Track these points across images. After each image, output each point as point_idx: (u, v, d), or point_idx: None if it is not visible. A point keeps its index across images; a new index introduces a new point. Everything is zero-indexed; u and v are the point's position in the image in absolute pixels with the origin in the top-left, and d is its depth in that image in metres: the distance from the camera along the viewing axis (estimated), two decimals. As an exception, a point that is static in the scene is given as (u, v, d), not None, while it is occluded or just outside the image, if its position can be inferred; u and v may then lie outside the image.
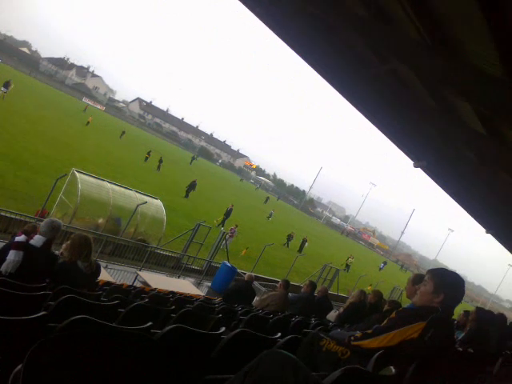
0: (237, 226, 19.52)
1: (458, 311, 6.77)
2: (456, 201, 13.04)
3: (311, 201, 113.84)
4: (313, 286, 8.37)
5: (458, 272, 2.72)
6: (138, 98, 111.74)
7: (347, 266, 29.65)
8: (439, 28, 3.18)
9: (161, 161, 33.49)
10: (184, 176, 29.87)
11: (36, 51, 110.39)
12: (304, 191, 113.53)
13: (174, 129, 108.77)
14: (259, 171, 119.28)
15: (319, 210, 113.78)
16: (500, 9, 2.32)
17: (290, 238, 29.14)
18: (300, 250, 26.30)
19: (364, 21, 3.75)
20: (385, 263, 51.06)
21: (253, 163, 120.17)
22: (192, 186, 27.31)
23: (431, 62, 3.62)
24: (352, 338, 2.39)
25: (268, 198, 58.68)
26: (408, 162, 7.98)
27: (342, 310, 7.53)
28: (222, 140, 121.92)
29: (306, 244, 29.24)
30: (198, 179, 28.44)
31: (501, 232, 13.62)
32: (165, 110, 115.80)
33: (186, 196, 26.79)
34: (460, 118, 6.47)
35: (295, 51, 4.72)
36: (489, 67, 3.29)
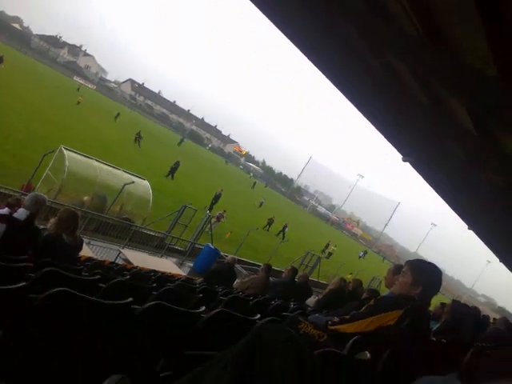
0: (225, 211, 19.53)
1: (435, 303, 6.88)
2: (441, 196, 13.28)
3: (298, 189, 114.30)
4: (294, 271, 8.46)
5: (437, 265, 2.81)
6: (129, 79, 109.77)
7: (329, 253, 30.06)
8: (436, 25, 3.18)
9: (139, 136, 32.90)
10: (172, 158, 29.63)
11: (28, 27, 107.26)
12: (292, 179, 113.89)
13: (165, 111, 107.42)
14: (248, 157, 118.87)
15: (306, 198, 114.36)
16: (498, 9, 2.33)
17: (270, 222, 29.36)
18: (283, 236, 26.51)
19: (361, 13, 3.73)
20: (365, 252, 52.15)
21: (243, 149, 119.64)
22: (175, 167, 27.03)
23: (426, 58, 3.64)
24: (329, 322, 2.43)
25: (255, 184, 58.82)
26: (397, 155, 8.06)
27: (321, 296, 7.64)
28: (214, 125, 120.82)
29: (287, 229, 29.49)
30: (185, 161, 28.23)
31: (482, 229, 13.94)
32: (157, 92, 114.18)
33: (170, 177, 26.58)
34: (451, 116, 6.54)
35: (285, 34, 4.66)
36: (483, 66, 3.32)
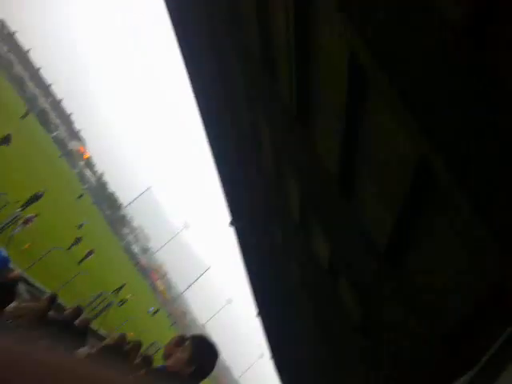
0: (36, 215, 17.67)
1: None
2: (244, 265, 14.08)
3: (122, 218, 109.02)
4: (78, 311, 7.61)
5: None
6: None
7: (122, 301, 28.64)
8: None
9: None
10: (9, 129, 25.80)
11: None
12: (121, 205, 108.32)
13: (27, 75, 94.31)
14: (89, 164, 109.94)
15: (126, 231, 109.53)
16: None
17: (77, 240, 27.04)
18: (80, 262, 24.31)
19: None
20: (156, 310, 50.95)
21: (87, 152, 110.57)
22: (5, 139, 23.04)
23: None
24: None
25: (82, 195, 54.53)
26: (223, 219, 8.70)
27: (94, 350, 7.13)
28: (69, 113, 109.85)
29: (90, 257, 27.55)
30: (19, 139, 24.52)
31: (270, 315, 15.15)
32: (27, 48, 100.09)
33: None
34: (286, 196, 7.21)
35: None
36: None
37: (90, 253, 27.70)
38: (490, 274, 2.91)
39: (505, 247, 2.17)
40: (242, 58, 5.38)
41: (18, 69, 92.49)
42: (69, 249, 25.35)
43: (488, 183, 2.06)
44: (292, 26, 3.42)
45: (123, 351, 6.71)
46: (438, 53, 2.07)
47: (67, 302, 14.20)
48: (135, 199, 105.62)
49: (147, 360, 5.86)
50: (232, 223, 11.26)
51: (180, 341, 2.73)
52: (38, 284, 14.25)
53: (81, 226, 35.76)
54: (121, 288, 29.70)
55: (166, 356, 2.63)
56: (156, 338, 21.54)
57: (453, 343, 3.99)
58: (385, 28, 2.22)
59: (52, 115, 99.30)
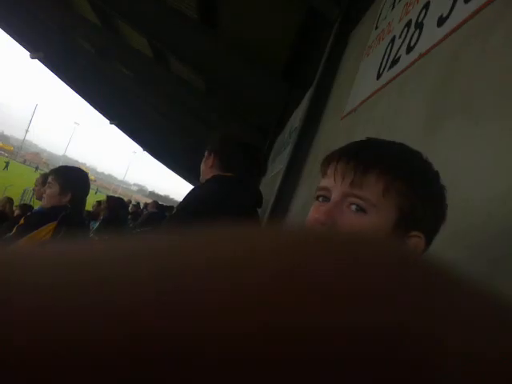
0: None
1: (92, 202, 7.26)
2: (79, 94, 13.61)
3: None
4: None
5: (67, 164, 2.78)
6: None
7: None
8: None
9: None
10: None
11: None
12: None
13: None
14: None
15: None
16: None
17: None
18: None
19: None
20: (7, 164, 47.51)
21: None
22: None
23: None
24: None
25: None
26: (24, 53, 7.85)
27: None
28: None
29: None
30: None
31: (123, 122, 15.40)
32: None
33: None
34: (75, 9, 6.72)
35: None
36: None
37: None
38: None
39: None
40: None
41: None
42: None
43: None
44: None
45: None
46: None
47: None
48: None
49: (24, 207, 5.65)
50: (33, 56, 9.79)
51: (44, 179, 2.66)
52: None
53: None
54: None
55: (39, 197, 2.59)
56: (26, 185, 20.38)
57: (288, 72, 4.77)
58: None
59: None
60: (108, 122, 15.46)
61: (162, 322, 0.07)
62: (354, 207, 0.58)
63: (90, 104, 14.55)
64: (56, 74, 11.82)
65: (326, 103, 2.86)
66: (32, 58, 9.85)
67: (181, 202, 1.47)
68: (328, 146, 0.66)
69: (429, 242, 0.61)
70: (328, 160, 0.63)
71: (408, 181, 0.58)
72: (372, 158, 0.59)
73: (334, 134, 2.34)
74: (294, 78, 4.62)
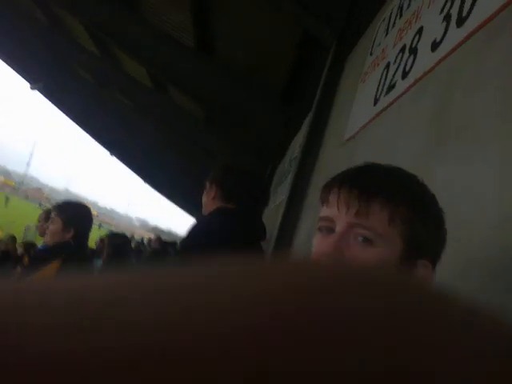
0: None
1: (95, 238, 7.12)
2: (78, 125, 13.55)
3: None
4: None
5: (70, 199, 2.69)
6: None
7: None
8: None
9: None
10: None
11: None
12: None
13: None
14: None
15: None
16: None
17: None
18: None
19: None
20: (6, 199, 47.71)
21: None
22: None
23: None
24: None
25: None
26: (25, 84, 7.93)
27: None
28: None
29: None
30: None
31: (122, 153, 15.20)
32: None
33: None
34: (73, 38, 6.79)
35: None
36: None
37: None
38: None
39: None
40: None
41: None
42: None
43: None
44: None
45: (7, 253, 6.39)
46: None
47: None
48: None
49: (28, 245, 5.63)
50: (32, 87, 9.91)
51: (46, 215, 2.62)
52: None
53: None
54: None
55: (42, 234, 2.54)
56: (28, 222, 19.94)
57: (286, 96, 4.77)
58: None
59: None
60: (108, 153, 15.40)
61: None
62: (360, 239, 0.57)
63: (90, 135, 14.53)
64: (55, 105, 11.95)
65: (325, 129, 2.87)
66: (32, 88, 9.98)
67: (184, 238, 1.44)
68: (329, 174, 0.64)
69: (434, 267, 0.61)
70: (328, 187, 0.62)
71: (410, 206, 0.58)
72: (374, 185, 0.58)
73: (335, 160, 2.33)
74: (293, 103, 4.66)
